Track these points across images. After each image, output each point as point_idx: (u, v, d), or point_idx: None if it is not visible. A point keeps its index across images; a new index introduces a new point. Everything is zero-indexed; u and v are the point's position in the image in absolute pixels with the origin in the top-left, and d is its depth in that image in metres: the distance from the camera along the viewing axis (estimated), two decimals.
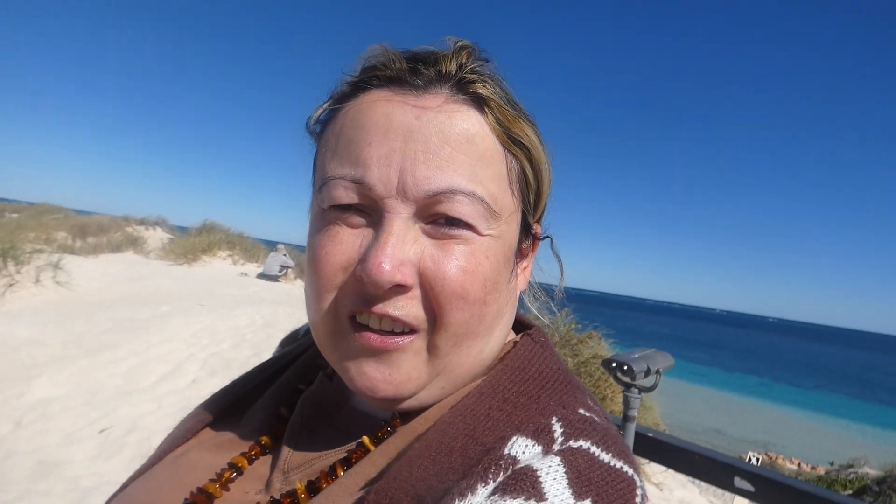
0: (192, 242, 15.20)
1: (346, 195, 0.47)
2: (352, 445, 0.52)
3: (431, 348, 0.48)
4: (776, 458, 12.44)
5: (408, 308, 0.46)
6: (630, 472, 0.41)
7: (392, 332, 0.47)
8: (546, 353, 0.54)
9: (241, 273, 14.06)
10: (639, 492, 0.40)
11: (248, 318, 7.35)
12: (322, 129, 0.53)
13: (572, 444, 0.41)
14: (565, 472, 0.38)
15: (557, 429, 0.43)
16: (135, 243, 15.80)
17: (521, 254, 0.56)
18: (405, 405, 0.50)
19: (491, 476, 0.38)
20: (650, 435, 2.16)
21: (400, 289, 0.45)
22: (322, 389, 0.59)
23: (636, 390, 2.06)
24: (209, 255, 14.89)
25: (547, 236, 0.60)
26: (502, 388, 0.48)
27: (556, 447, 0.41)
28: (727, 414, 18.89)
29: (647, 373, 2.09)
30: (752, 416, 19.84)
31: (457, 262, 0.46)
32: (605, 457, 0.41)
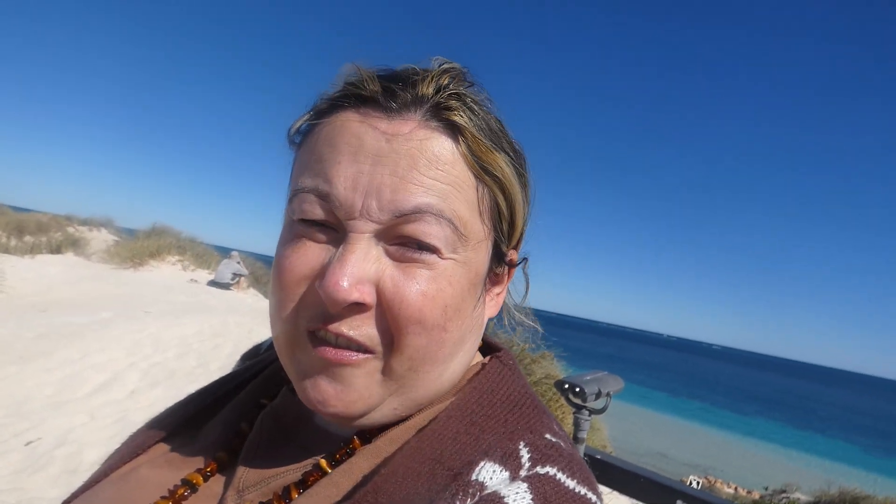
0: (140, 246, 14.56)
1: (313, 210, 0.47)
2: (309, 466, 0.51)
3: (386, 370, 0.47)
4: (715, 482, 12.80)
5: (363, 328, 0.46)
6: (594, 498, 0.42)
7: (348, 348, 0.46)
8: (514, 376, 0.54)
9: (191, 280, 13.57)
10: None
11: (195, 326, 7.08)
12: (301, 140, 0.53)
13: (539, 470, 0.42)
14: (532, 499, 0.38)
15: (525, 454, 0.43)
16: (76, 244, 15.02)
17: (494, 280, 0.56)
18: (358, 423, 0.49)
19: (458, 502, 0.39)
20: (598, 457, 2.20)
21: (358, 307, 0.45)
22: (284, 404, 0.57)
23: (587, 412, 2.10)
24: (157, 259, 14.29)
25: (524, 259, 0.60)
26: (470, 410, 0.49)
27: (522, 473, 0.41)
28: (671, 437, 19.40)
29: (598, 395, 2.13)
30: (694, 439, 20.43)
31: (417, 285, 0.45)
32: (571, 483, 0.41)
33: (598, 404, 2.18)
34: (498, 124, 0.52)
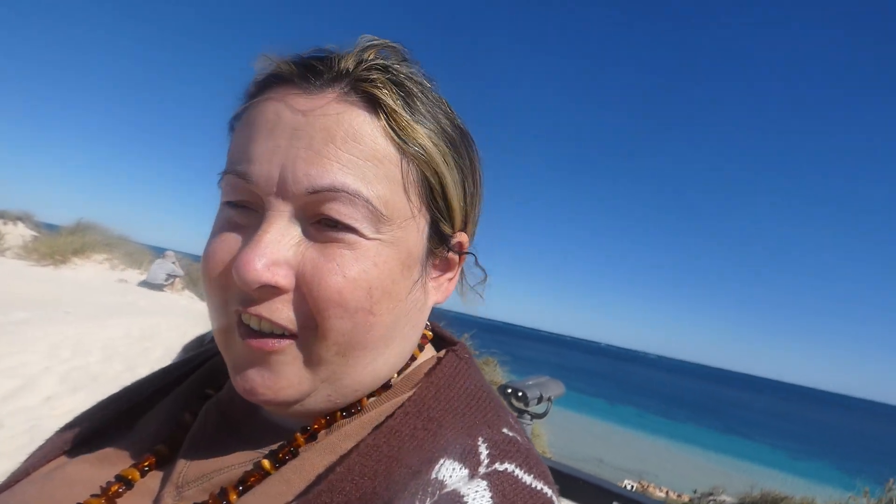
0: (62, 242, 13.61)
1: (233, 191, 0.47)
2: (250, 465, 0.48)
3: (314, 356, 0.46)
4: (648, 486, 13.28)
5: (284, 311, 0.44)
6: (549, 493, 0.42)
7: (271, 335, 0.45)
8: (471, 370, 0.54)
9: (120, 280, 12.86)
10: None
11: (122, 328, 6.71)
12: (233, 127, 0.52)
13: (497, 466, 0.42)
14: (491, 497, 0.39)
15: (483, 451, 0.44)
16: None
17: (443, 266, 0.54)
18: (293, 411, 0.48)
19: (418, 502, 0.38)
20: None
21: (274, 290, 0.44)
22: (230, 395, 0.54)
23: (528, 417, 2.10)
24: (82, 257, 13.41)
25: (471, 252, 0.57)
26: (427, 406, 0.48)
27: (481, 470, 0.42)
28: (607, 443, 19.98)
29: (540, 400, 2.14)
30: (629, 445, 21.13)
31: (338, 267, 0.44)
32: (528, 479, 0.42)
33: (540, 409, 2.19)
34: (433, 98, 0.50)
